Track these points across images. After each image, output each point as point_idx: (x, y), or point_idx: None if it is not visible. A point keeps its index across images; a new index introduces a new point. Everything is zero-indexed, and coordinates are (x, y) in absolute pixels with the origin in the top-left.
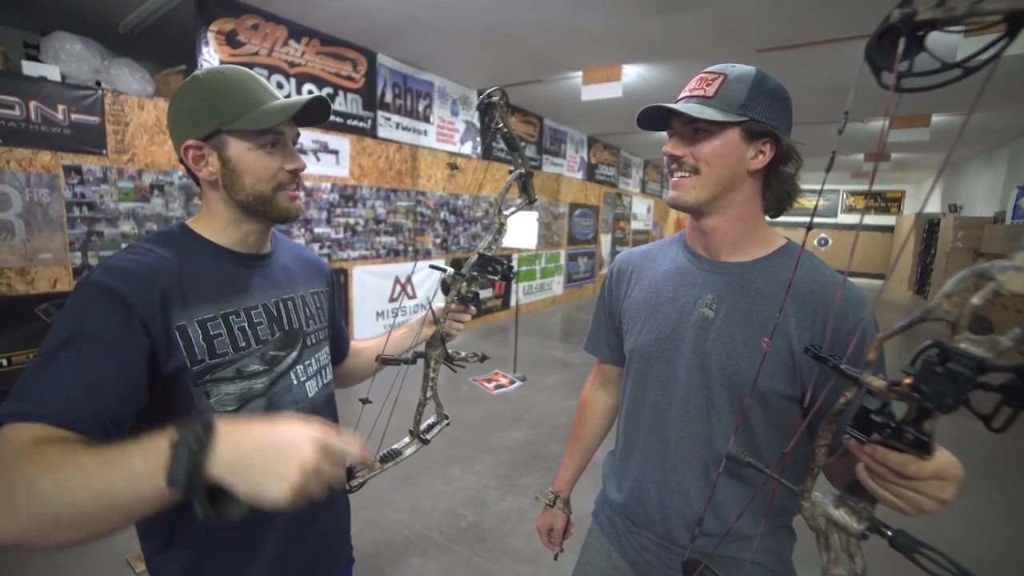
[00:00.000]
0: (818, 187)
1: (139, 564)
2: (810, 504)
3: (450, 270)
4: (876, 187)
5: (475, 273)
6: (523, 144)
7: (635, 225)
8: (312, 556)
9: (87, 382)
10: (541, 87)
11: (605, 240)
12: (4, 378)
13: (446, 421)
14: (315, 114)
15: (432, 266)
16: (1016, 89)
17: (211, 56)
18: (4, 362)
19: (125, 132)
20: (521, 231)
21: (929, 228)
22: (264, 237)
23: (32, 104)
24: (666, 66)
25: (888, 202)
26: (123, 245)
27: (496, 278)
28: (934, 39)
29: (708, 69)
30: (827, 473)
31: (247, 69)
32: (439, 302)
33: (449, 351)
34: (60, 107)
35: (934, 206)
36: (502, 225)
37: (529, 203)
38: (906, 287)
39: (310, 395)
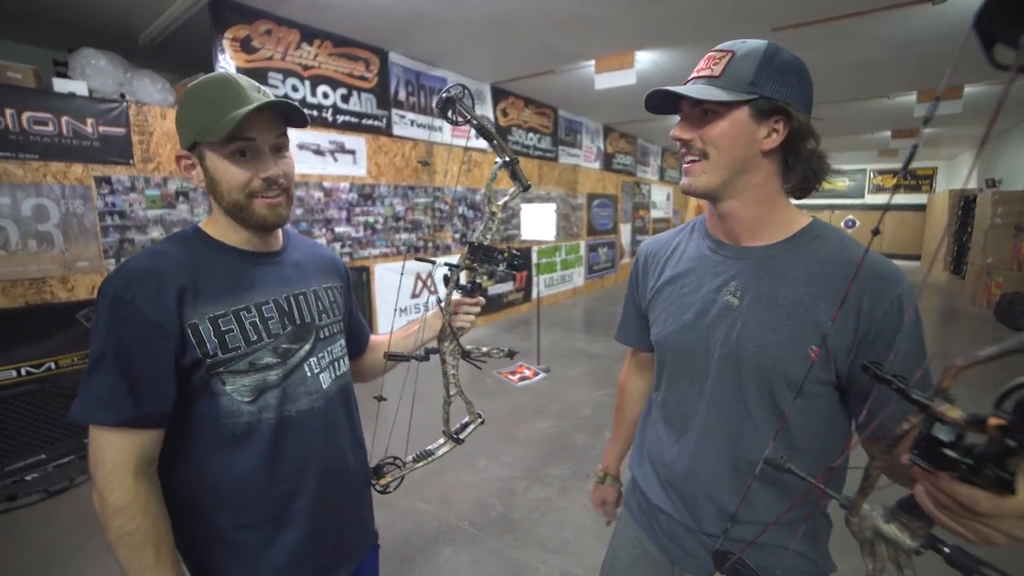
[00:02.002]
0: (845, 167)
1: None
2: (858, 519)
3: (440, 261)
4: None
5: (470, 262)
6: (496, 131)
7: (655, 213)
8: (333, 539)
9: (127, 385)
10: (554, 78)
11: (625, 230)
12: (53, 380)
13: (480, 419)
14: (291, 115)
15: (419, 258)
16: None
17: (227, 63)
18: (52, 365)
19: (149, 141)
20: (539, 223)
21: (965, 205)
22: (268, 237)
23: (64, 119)
24: (679, 50)
25: (919, 179)
26: None
27: (500, 268)
28: (957, 4)
29: (717, 47)
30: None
31: (232, 75)
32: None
33: (466, 347)
34: (89, 120)
35: (969, 181)
36: (493, 214)
37: (523, 189)
38: (941, 267)
39: (324, 386)
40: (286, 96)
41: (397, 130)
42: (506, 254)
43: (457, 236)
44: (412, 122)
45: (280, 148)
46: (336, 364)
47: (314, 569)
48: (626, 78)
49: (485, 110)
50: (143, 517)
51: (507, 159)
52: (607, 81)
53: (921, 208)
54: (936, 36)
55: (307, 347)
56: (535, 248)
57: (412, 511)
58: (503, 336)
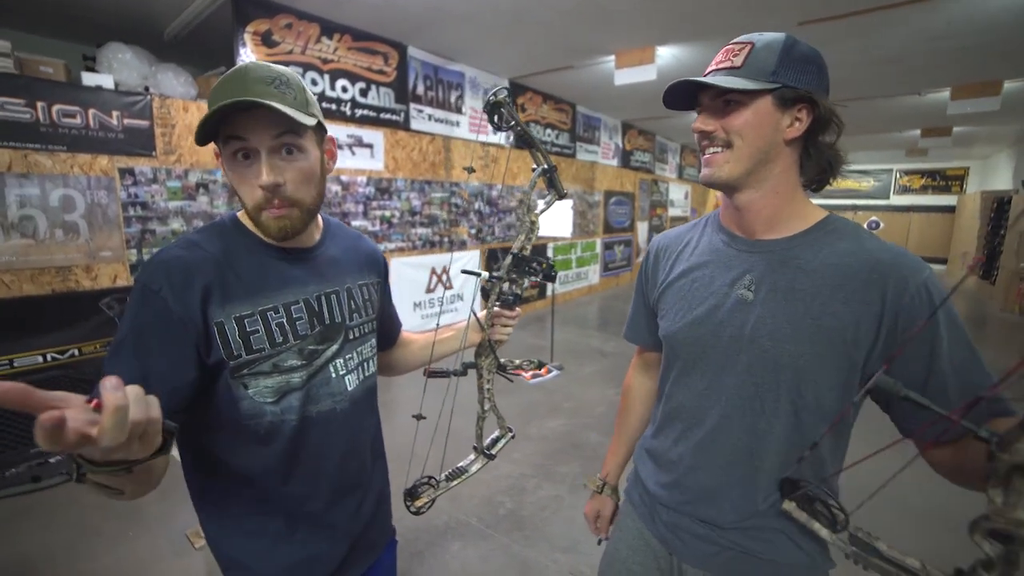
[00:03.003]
0: (870, 167)
1: (198, 540)
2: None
3: (485, 274)
4: (935, 165)
5: (513, 275)
6: (540, 140)
7: (672, 212)
8: (349, 539)
9: (143, 375)
10: (573, 73)
11: (642, 227)
12: (76, 366)
13: (510, 434)
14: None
15: (465, 271)
16: None
17: (248, 57)
18: (76, 352)
19: (172, 134)
20: (556, 220)
21: (998, 207)
22: (302, 235)
23: (91, 112)
24: (701, 45)
25: (948, 180)
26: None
27: (537, 278)
28: None
29: (734, 40)
30: (934, 464)
31: (248, 65)
32: (477, 306)
33: (501, 360)
34: (114, 113)
35: (1004, 183)
36: (533, 223)
37: (559, 198)
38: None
39: (349, 388)
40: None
41: (415, 124)
42: (544, 264)
43: (473, 231)
44: (430, 116)
45: (288, 148)
46: (364, 365)
47: (329, 564)
48: (646, 74)
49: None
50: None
51: (546, 166)
52: (627, 77)
53: (950, 210)
54: (975, 28)
55: (334, 348)
56: (551, 245)
57: None
58: (517, 333)
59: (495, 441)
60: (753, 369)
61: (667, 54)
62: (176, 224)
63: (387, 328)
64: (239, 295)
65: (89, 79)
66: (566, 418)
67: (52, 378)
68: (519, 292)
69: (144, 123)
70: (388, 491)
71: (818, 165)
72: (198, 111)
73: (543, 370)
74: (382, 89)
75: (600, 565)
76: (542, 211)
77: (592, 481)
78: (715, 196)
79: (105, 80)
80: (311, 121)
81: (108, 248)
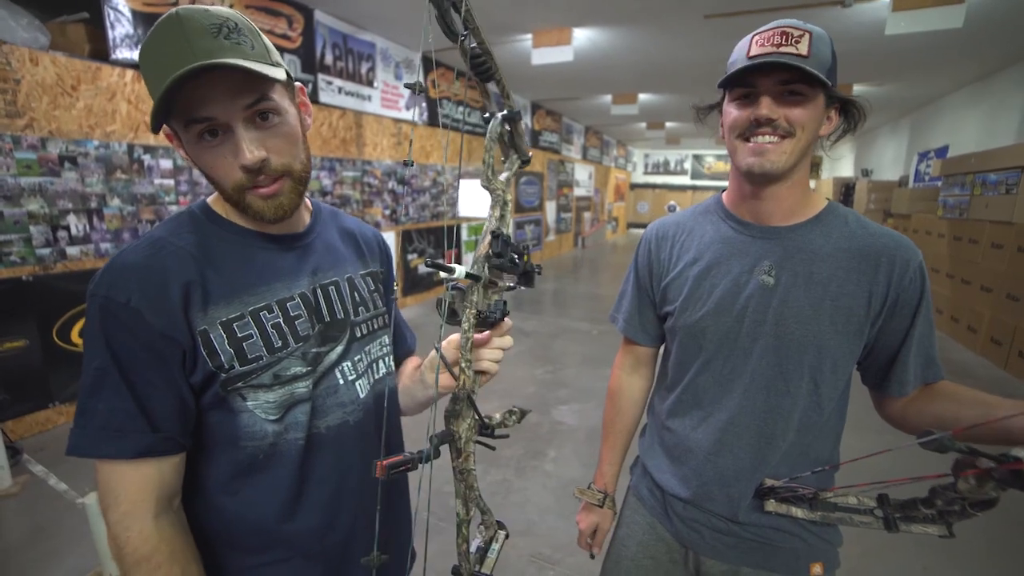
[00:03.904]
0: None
1: None
2: None
3: (461, 269)
4: None
5: (496, 263)
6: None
7: (577, 192)
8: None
9: (141, 408)
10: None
11: (550, 207)
12: None
13: (504, 535)
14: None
15: (434, 264)
16: (924, 62)
17: (120, 5)
18: None
19: (17, 91)
20: (474, 200)
21: (846, 191)
22: (298, 209)
23: None
24: (615, 29)
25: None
26: (31, 228)
27: (511, 285)
28: (861, 9)
29: (785, 23)
30: (898, 419)
31: (182, 11)
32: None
33: (484, 418)
34: None
35: (847, 170)
36: (503, 193)
37: (522, 163)
38: None
39: (361, 395)
40: None
41: (324, 97)
42: (526, 258)
43: (387, 212)
44: (340, 89)
45: (265, 114)
46: (375, 367)
47: None
48: (563, 54)
49: (414, 79)
50: (170, 565)
51: (508, 111)
52: (544, 56)
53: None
54: (841, 36)
55: (339, 349)
56: (464, 225)
57: None
58: (432, 315)
59: (484, 551)
60: (780, 351)
61: (583, 36)
62: (34, 205)
63: (397, 342)
64: (223, 295)
65: None
66: (499, 400)
67: None
68: (502, 300)
69: None
70: (409, 512)
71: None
72: (54, 65)
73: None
74: (287, 56)
75: (605, 564)
76: (507, 177)
77: (588, 494)
78: (615, 178)
79: None
80: (280, 74)
81: None
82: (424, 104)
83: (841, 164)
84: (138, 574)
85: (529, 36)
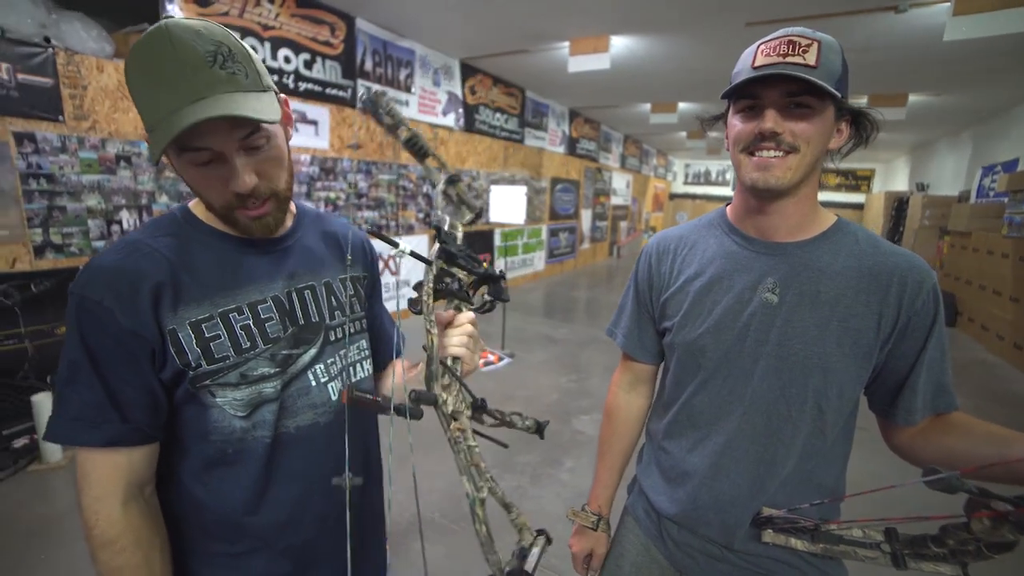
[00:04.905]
0: None
1: None
2: None
3: (403, 244)
4: (847, 165)
5: (443, 247)
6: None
7: (614, 200)
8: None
9: (109, 397)
10: (525, 57)
11: (586, 215)
12: None
13: (544, 539)
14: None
15: (377, 235)
16: (988, 69)
17: (176, 15)
18: None
19: (83, 96)
20: (508, 206)
21: (898, 206)
22: (273, 233)
23: None
24: (654, 38)
25: (858, 180)
26: (89, 222)
27: (488, 298)
28: (917, 14)
29: (792, 31)
30: (906, 450)
31: (170, 39)
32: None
33: (477, 397)
34: (3, 65)
35: (902, 184)
36: (460, 197)
37: (475, 216)
38: None
39: (333, 397)
40: None
41: (360, 105)
42: (485, 265)
43: (421, 215)
44: None
45: (256, 144)
46: (350, 371)
47: None
48: (600, 62)
49: (453, 87)
50: (134, 550)
51: (450, 175)
52: (581, 64)
53: (859, 207)
54: (895, 43)
55: (312, 352)
56: (498, 230)
57: None
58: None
59: (521, 556)
60: (781, 373)
61: (620, 44)
62: (92, 201)
63: (374, 342)
64: (194, 296)
65: None
66: (521, 406)
67: None
68: (462, 280)
69: (46, 81)
70: (383, 529)
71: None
72: (116, 72)
73: (489, 355)
74: (328, 62)
75: None
76: (467, 222)
77: (582, 516)
78: (654, 187)
79: None
80: (275, 114)
81: (3, 226)
82: (461, 110)
83: (895, 178)
84: (103, 556)
85: (566, 44)
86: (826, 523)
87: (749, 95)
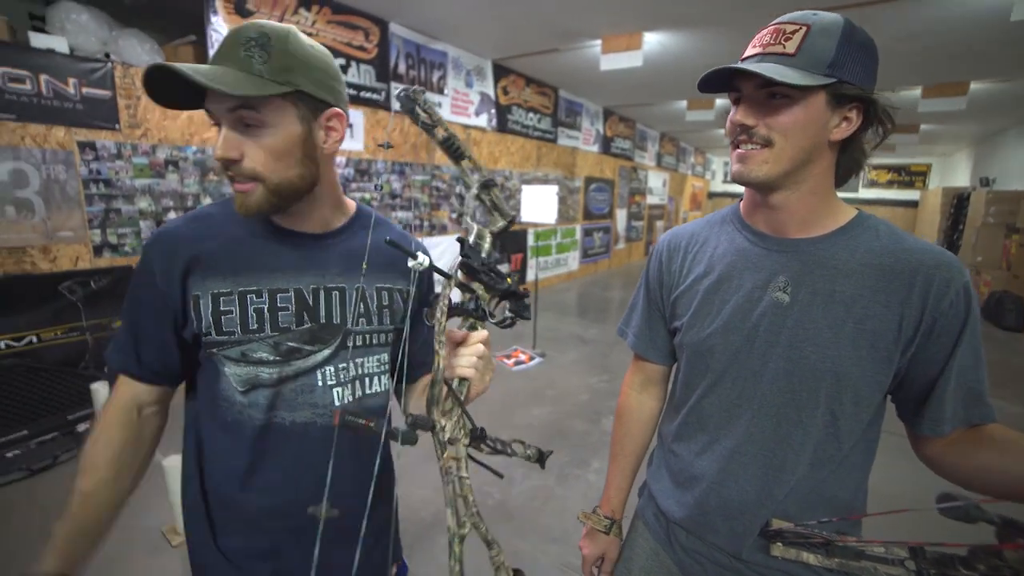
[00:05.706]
0: None
1: (175, 536)
2: None
3: (422, 257)
4: (901, 160)
5: (465, 269)
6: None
7: (650, 200)
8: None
9: (133, 335)
10: (557, 56)
11: (620, 215)
12: (35, 354)
13: None
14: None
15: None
16: None
17: (220, 26)
18: (34, 339)
19: (137, 106)
20: (540, 205)
21: (958, 202)
22: (305, 217)
23: (43, 78)
24: (688, 34)
25: (913, 176)
26: (141, 223)
27: (510, 314)
28: None
29: (784, 18)
30: (936, 463)
31: (234, 30)
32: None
33: (477, 426)
34: (71, 80)
35: (962, 179)
36: (490, 198)
37: (508, 222)
38: None
39: (336, 403)
40: None
41: (396, 105)
42: (509, 280)
43: (454, 216)
44: None
45: (246, 123)
46: (362, 382)
47: None
48: (632, 60)
49: (486, 87)
50: (105, 449)
51: (485, 180)
52: (613, 62)
53: (914, 204)
54: (949, 28)
55: (326, 352)
56: (531, 231)
57: (407, 497)
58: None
59: None
60: (792, 376)
61: (654, 40)
62: (144, 203)
63: (414, 356)
64: (222, 271)
65: (38, 40)
66: (550, 406)
67: (8, 367)
68: (480, 297)
69: (105, 93)
70: (387, 550)
71: (850, 163)
72: None
73: (520, 354)
74: (363, 66)
75: None
76: (498, 231)
77: (593, 519)
78: (692, 186)
79: (58, 43)
80: (268, 90)
81: (68, 228)
82: (494, 111)
83: (954, 173)
84: (79, 479)
85: (598, 42)
86: (842, 538)
87: (735, 88)
